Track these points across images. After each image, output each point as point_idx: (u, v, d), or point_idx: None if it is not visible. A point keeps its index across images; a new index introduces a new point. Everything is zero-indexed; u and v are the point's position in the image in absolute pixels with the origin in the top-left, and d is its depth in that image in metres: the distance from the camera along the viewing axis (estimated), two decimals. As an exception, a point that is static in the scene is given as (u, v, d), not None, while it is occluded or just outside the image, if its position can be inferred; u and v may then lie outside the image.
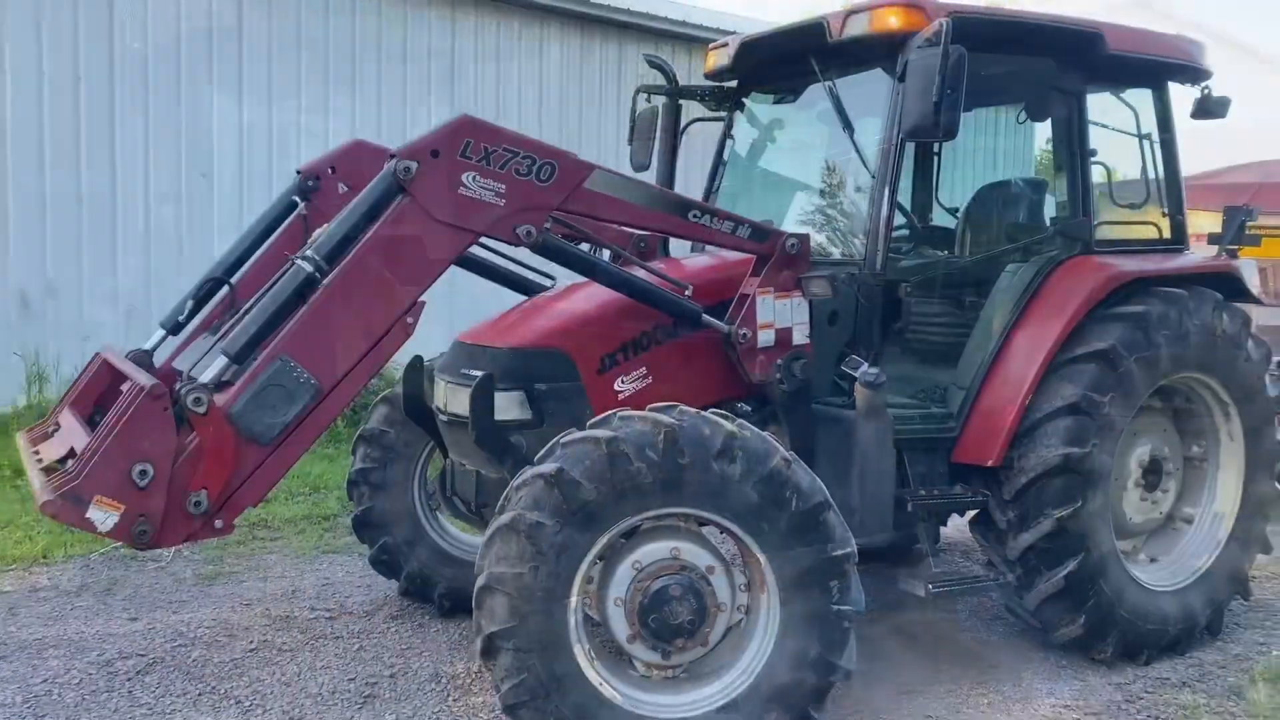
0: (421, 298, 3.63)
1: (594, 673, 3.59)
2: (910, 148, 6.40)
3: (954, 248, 5.94)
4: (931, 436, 4.76)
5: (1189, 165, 5.49)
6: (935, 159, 6.39)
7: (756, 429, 3.74)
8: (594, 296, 4.38)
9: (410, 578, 5.28)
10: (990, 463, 4.63)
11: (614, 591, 3.66)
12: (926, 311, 5.44)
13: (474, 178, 3.61)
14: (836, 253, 4.77)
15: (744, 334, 4.24)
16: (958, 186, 6.62)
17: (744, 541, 3.68)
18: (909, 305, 4.52)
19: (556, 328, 4.26)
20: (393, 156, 3.56)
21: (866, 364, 4.34)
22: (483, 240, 4.19)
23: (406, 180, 3.52)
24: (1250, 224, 5.32)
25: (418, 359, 4.64)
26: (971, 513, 4.94)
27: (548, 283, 5.10)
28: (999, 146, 11.87)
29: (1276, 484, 5.31)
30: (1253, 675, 4.69)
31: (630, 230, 5.03)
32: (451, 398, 4.21)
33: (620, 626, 3.67)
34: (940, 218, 6.39)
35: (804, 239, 4.36)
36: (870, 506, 4.30)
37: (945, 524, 6.13)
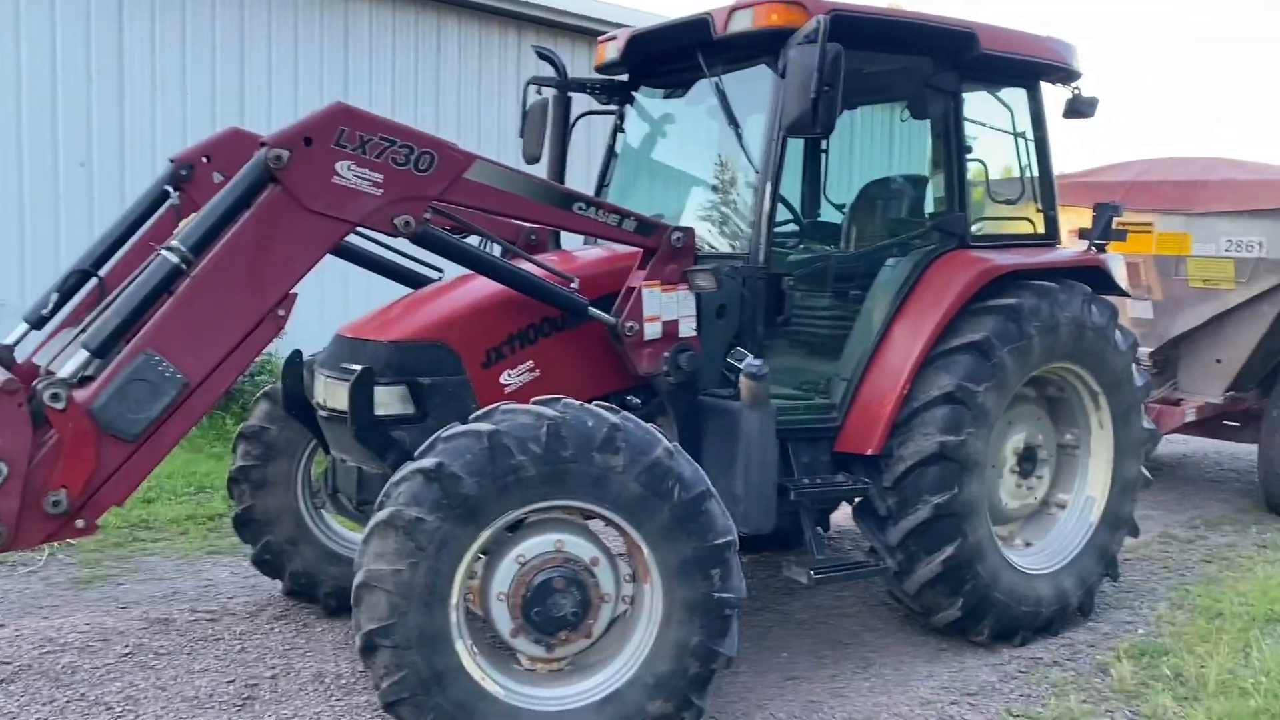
0: (294, 290, 3.55)
1: (476, 668, 3.56)
2: (798, 143, 6.55)
3: (840, 243, 6.05)
4: (815, 427, 4.84)
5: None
6: (823, 155, 6.49)
7: (640, 421, 3.75)
8: (480, 289, 4.34)
9: (294, 577, 5.17)
10: (870, 451, 4.73)
11: (497, 586, 3.63)
12: (813, 305, 5.54)
13: (349, 167, 3.55)
14: (723, 246, 4.81)
15: (631, 326, 4.26)
16: (856, 182, 6.71)
17: (627, 532, 3.69)
18: (792, 298, 4.59)
19: (440, 320, 4.21)
20: (264, 144, 3.47)
21: (751, 356, 4.40)
22: (368, 233, 4.13)
23: (278, 169, 3.44)
24: (1118, 219, 5.53)
25: (297, 353, 4.54)
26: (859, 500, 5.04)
27: (435, 275, 5.04)
28: (895, 142, 12.16)
29: (1144, 469, 5.55)
30: (1118, 653, 4.89)
31: (520, 223, 5.01)
32: (330, 393, 4.13)
33: (503, 621, 3.65)
34: (831, 214, 6.50)
35: (689, 232, 4.39)
36: (754, 496, 4.35)
37: (834, 511, 6.27)
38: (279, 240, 3.48)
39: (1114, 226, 5.54)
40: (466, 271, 4.33)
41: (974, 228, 5.27)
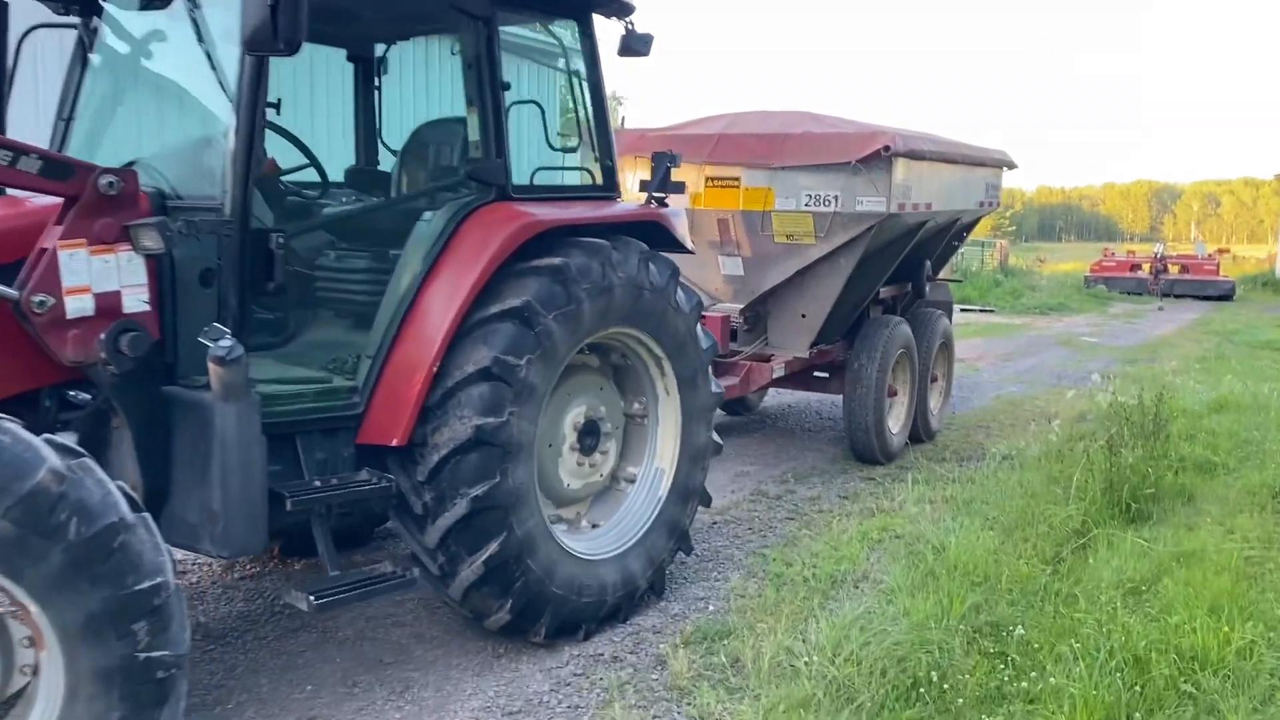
0: None
1: None
2: (347, 76, 5.68)
3: (389, 193, 5.26)
4: (334, 416, 4.05)
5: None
6: (377, 93, 5.65)
7: (22, 433, 2.77)
8: None
9: None
10: (395, 442, 4.02)
11: None
12: (349, 268, 4.74)
13: None
14: (192, 195, 3.83)
15: (41, 301, 3.22)
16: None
17: (3, 586, 2.71)
18: (282, 261, 3.73)
19: None
20: None
21: (228, 335, 3.50)
22: None
23: None
24: (674, 168, 5.13)
25: None
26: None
27: None
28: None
29: (714, 435, 5.26)
30: (681, 639, 4.54)
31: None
32: None
33: None
34: (388, 161, 5.68)
35: (129, 175, 3.42)
36: (235, 510, 3.50)
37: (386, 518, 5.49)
38: None
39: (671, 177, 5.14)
40: None
41: (528, 178, 4.68)
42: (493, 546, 4.12)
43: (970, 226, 9.73)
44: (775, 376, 7.66)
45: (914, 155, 7.20)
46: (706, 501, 5.33)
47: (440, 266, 4.19)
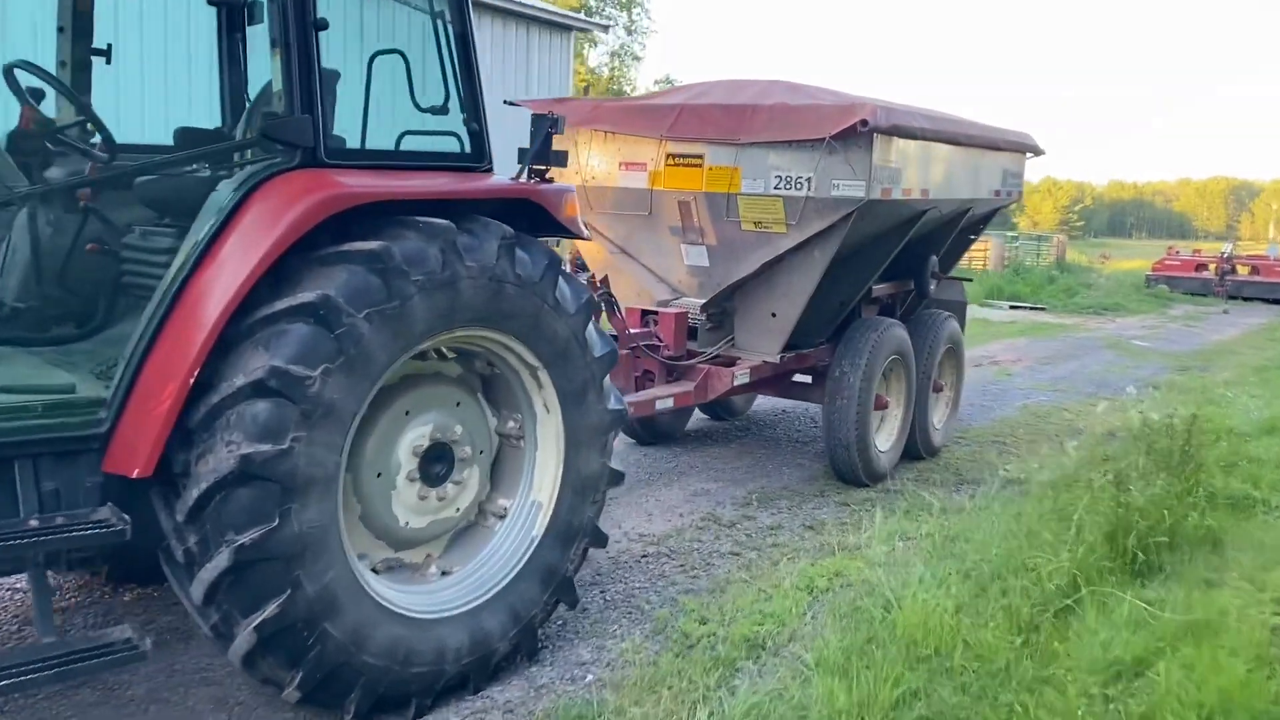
0: None
1: None
2: (210, 18, 4.86)
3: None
4: (70, 436, 3.19)
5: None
6: (240, 40, 4.79)
7: None
8: None
9: None
10: (136, 473, 3.15)
11: None
12: (148, 249, 3.91)
13: None
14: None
15: None
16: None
17: None
18: None
19: None
20: None
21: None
22: None
23: None
24: (556, 134, 4.18)
25: None
26: None
27: None
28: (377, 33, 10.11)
29: (608, 461, 4.32)
30: (530, 723, 3.64)
31: None
32: None
33: None
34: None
35: None
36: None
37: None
38: None
39: (557, 148, 4.18)
40: None
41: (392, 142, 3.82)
42: (270, 608, 3.24)
43: (986, 219, 8.63)
44: (738, 383, 6.68)
45: (900, 132, 6.15)
46: (600, 541, 4.40)
47: (217, 249, 3.31)
